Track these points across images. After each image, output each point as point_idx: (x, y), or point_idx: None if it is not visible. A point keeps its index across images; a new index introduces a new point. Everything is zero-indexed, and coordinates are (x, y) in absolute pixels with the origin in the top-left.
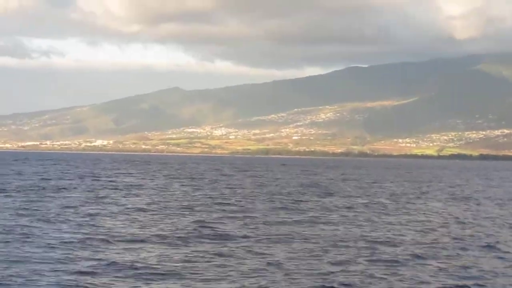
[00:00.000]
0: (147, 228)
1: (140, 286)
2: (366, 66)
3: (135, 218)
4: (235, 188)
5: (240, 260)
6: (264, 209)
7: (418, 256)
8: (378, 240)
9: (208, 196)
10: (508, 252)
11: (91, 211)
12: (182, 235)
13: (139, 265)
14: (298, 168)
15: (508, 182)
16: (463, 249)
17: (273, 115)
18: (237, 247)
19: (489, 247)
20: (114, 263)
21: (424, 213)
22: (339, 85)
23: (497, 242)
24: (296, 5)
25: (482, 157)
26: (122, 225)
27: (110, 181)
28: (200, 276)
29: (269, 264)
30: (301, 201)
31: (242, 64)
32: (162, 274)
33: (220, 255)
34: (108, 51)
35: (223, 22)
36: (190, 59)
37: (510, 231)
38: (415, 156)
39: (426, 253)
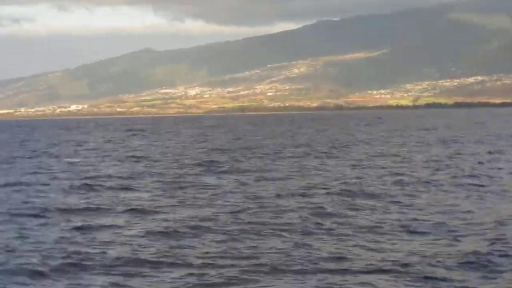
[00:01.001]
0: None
1: None
2: (337, 19)
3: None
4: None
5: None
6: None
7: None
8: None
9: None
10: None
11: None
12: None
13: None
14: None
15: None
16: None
17: (246, 72)
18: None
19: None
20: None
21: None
22: (311, 39)
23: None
24: None
25: (457, 105)
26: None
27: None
28: None
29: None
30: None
31: (213, 23)
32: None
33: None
34: (78, 15)
35: None
36: (160, 20)
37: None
38: (391, 107)
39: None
